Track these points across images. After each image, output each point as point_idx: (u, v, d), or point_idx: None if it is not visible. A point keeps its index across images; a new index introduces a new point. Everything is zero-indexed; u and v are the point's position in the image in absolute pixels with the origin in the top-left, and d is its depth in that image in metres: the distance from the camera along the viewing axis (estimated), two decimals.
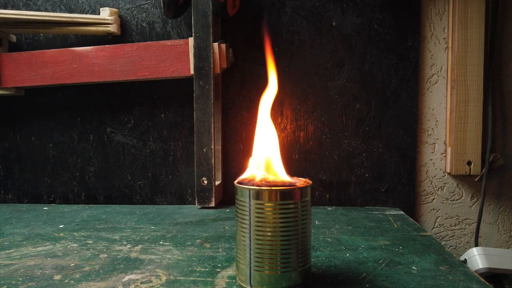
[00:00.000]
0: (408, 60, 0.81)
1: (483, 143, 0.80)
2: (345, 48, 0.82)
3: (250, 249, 0.40)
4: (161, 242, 0.57)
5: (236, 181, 0.42)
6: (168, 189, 0.85)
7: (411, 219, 0.70)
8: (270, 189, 0.39)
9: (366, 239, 0.58)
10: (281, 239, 0.39)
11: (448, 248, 0.82)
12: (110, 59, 0.79)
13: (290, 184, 0.41)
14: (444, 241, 0.84)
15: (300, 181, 0.42)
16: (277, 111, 0.83)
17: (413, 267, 0.46)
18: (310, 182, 0.42)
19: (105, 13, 0.81)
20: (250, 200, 0.39)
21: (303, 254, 0.40)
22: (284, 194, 0.39)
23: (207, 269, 0.46)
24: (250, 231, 0.39)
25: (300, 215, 0.40)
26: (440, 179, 0.84)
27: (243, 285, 0.41)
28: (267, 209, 0.39)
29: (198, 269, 0.46)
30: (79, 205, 0.85)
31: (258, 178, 0.42)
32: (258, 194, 0.39)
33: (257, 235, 0.39)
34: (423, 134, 0.83)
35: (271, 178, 0.43)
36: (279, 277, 0.39)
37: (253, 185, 0.40)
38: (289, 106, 0.83)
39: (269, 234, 0.39)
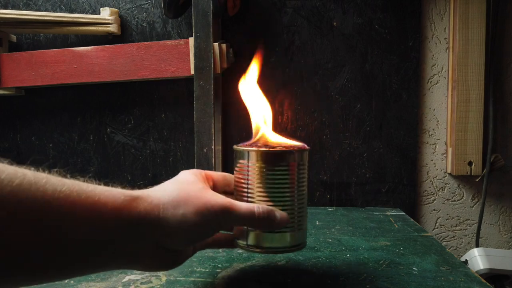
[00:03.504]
0: (409, 60, 0.81)
1: (484, 143, 0.80)
2: (345, 48, 0.82)
3: None
4: None
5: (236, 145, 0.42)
6: None
7: (412, 219, 0.70)
8: (268, 150, 0.39)
9: (367, 240, 0.57)
10: (277, 200, 0.39)
11: (449, 249, 0.81)
12: (110, 59, 0.79)
13: (289, 147, 0.41)
14: (445, 241, 0.84)
15: (297, 145, 0.42)
16: (277, 111, 0.83)
17: (414, 268, 0.46)
18: (308, 147, 0.42)
19: (106, 13, 0.81)
20: (248, 162, 0.39)
21: (298, 217, 0.40)
22: (281, 156, 0.39)
23: (207, 270, 0.46)
24: (247, 192, 0.40)
25: (296, 179, 0.40)
26: (441, 179, 0.83)
27: (240, 242, 0.41)
28: (263, 170, 0.39)
29: (198, 270, 0.46)
30: None
31: (259, 139, 0.43)
32: (256, 156, 0.39)
33: (254, 197, 0.39)
34: (424, 134, 0.83)
35: (272, 140, 0.43)
36: (273, 238, 0.39)
37: (251, 147, 0.40)
38: (289, 106, 0.83)
39: (265, 195, 0.39)
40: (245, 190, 0.40)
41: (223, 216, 0.34)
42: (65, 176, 0.30)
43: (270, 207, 0.37)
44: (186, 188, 0.35)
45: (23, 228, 0.26)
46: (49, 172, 0.30)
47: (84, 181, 0.31)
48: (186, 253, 0.38)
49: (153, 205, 0.32)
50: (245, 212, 0.35)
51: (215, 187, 0.41)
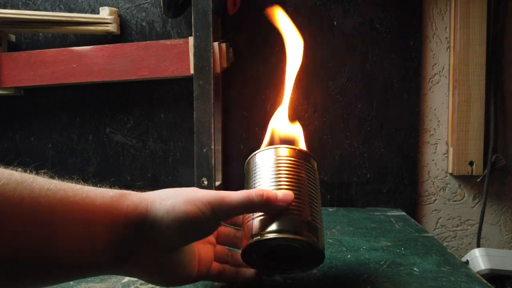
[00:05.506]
0: (410, 59, 0.81)
1: (485, 143, 0.79)
2: (346, 47, 0.81)
3: None
4: None
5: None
6: None
7: (412, 220, 0.70)
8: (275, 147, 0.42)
9: (368, 240, 0.57)
10: (284, 184, 0.37)
11: (450, 249, 0.81)
12: (110, 58, 0.79)
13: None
14: (446, 242, 0.84)
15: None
16: None
17: (415, 268, 0.46)
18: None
19: (105, 13, 0.81)
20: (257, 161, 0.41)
21: (310, 208, 0.37)
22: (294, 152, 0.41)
23: None
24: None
25: (303, 174, 0.40)
26: (442, 179, 0.83)
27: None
28: (274, 159, 0.40)
29: None
30: None
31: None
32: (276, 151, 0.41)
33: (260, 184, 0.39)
34: (425, 134, 0.83)
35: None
36: (280, 220, 0.35)
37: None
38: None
39: (272, 180, 0.39)
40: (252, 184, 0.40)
41: (217, 204, 0.33)
42: (52, 178, 0.31)
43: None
44: (176, 188, 0.35)
45: (12, 225, 0.26)
46: (37, 173, 0.31)
47: (71, 182, 0.32)
48: (188, 270, 0.36)
49: (142, 199, 0.33)
50: (241, 196, 0.34)
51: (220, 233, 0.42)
